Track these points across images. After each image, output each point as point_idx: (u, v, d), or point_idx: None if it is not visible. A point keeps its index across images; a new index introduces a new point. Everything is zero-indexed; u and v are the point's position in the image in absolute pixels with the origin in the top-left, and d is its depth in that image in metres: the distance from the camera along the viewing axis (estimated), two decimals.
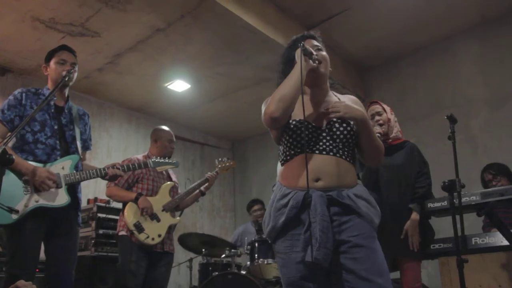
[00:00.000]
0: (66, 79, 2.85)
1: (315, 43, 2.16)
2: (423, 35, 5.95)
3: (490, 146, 5.43)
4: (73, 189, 2.89)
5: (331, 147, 1.94)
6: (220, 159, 4.39)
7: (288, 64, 2.14)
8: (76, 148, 2.98)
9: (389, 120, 3.30)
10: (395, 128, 3.32)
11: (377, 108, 3.36)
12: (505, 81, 5.45)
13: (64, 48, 3.06)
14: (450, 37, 5.97)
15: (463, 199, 2.76)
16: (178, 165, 3.70)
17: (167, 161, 3.56)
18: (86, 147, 3.13)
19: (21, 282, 1.66)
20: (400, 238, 3.02)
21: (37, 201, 2.68)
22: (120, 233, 3.74)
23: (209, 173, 4.19)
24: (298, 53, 1.97)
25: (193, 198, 4.16)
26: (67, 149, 2.93)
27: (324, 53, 2.13)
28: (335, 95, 2.17)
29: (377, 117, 3.31)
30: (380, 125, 3.28)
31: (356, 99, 2.19)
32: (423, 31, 5.84)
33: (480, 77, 5.70)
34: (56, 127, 2.91)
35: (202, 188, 4.16)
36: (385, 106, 3.37)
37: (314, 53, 2.00)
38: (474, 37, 5.80)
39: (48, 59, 3.04)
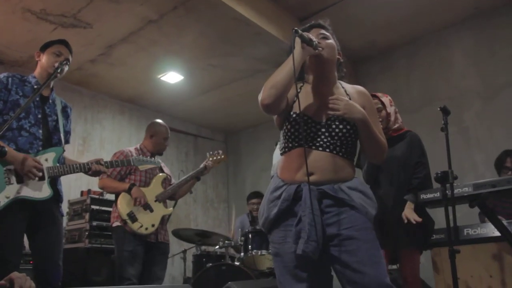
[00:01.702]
0: (58, 70, 2.84)
1: (322, 31, 2.09)
2: (417, 27, 5.95)
3: (482, 137, 5.46)
4: (54, 181, 2.88)
5: (328, 143, 1.92)
6: (211, 152, 4.38)
7: None
8: (59, 139, 2.96)
9: (388, 115, 3.24)
10: (397, 121, 3.27)
11: (376, 104, 3.24)
12: (497, 73, 5.47)
13: (63, 42, 3.06)
14: (443, 29, 5.98)
15: (456, 191, 2.78)
16: (159, 164, 3.79)
17: (148, 159, 3.57)
18: (66, 140, 3.11)
19: (15, 274, 1.66)
20: (400, 230, 3.02)
21: (18, 193, 2.65)
22: (114, 224, 3.76)
23: (206, 161, 4.18)
24: (297, 40, 1.91)
25: (188, 186, 4.17)
26: (50, 140, 2.91)
27: (329, 41, 2.06)
28: (343, 86, 2.11)
29: None
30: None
31: (364, 91, 2.14)
32: (416, 22, 5.83)
33: (473, 69, 5.72)
34: (39, 116, 2.89)
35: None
36: (384, 99, 3.29)
37: (314, 39, 1.93)
38: (467, 28, 5.81)
39: (44, 47, 3.03)
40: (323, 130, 1.94)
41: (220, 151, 4.35)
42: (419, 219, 2.95)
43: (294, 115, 1.97)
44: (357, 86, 2.17)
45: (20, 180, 2.68)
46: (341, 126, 1.93)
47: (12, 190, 2.64)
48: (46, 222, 2.82)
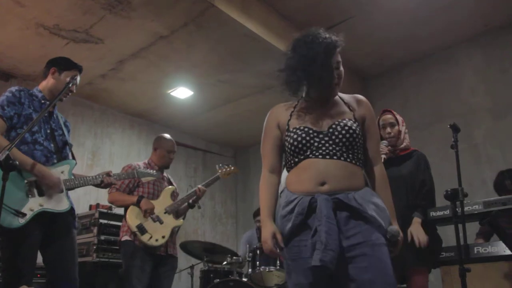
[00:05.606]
0: (69, 94, 2.96)
1: (338, 58, 2.12)
2: (426, 44, 5.97)
3: (492, 155, 5.42)
4: (67, 194, 2.90)
5: (334, 151, 1.91)
6: (221, 164, 4.39)
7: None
8: (67, 153, 2.99)
9: (399, 132, 3.24)
10: (405, 141, 3.26)
11: (390, 118, 3.29)
12: (508, 90, 5.45)
13: (81, 70, 3.11)
14: (453, 46, 5.99)
15: (466, 208, 2.75)
16: (158, 176, 3.74)
17: (148, 172, 3.56)
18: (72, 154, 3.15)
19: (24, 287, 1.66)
20: (408, 249, 2.96)
21: (41, 205, 2.66)
22: (123, 239, 3.73)
23: (199, 186, 4.10)
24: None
25: (183, 210, 4.09)
26: (60, 153, 2.94)
27: (341, 69, 2.09)
28: (341, 97, 2.12)
29: (388, 129, 3.25)
30: (390, 137, 3.24)
31: (362, 99, 2.14)
32: (426, 40, 5.85)
33: (483, 86, 5.71)
34: (48, 131, 2.92)
35: (190, 201, 4.05)
36: (398, 117, 3.30)
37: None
38: (477, 46, 5.82)
39: (63, 68, 3.04)
40: (326, 138, 1.93)
41: (229, 164, 4.38)
42: (425, 240, 2.90)
43: (294, 130, 1.97)
44: (355, 94, 2.17)
45: (41, 193, 2.70)
46: (343, 132, 1.93)
47: (35, 203, 2.65)
48: (60, 235, 2.81)
